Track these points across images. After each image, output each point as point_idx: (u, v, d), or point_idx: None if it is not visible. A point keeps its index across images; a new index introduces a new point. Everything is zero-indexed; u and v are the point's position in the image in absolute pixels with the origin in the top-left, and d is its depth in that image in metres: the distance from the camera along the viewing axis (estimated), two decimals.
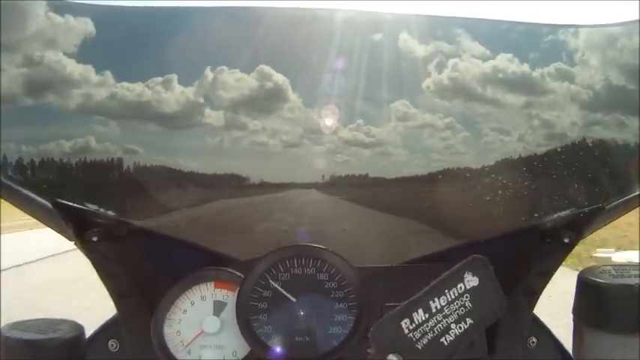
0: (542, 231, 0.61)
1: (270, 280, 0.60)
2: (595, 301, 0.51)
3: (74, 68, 0.60)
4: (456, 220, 0.66)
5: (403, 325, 0.45)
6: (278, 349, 0.58)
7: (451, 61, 0.63)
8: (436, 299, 0.45)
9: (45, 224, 0.61)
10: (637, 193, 0.61)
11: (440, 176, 0.63)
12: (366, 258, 0.67)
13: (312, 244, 0.61)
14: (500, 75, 0.62)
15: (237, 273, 0.61)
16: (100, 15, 0.62)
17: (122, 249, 0.60)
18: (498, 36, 0.64)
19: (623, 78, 0.63)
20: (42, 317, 0.54)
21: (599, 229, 0.64)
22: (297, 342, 0.59)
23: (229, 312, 0.61)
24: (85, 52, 0.60)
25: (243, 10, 0.63)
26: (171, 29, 0.63)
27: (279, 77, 0.61)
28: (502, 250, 0.63)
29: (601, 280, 0.51)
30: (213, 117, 0.62)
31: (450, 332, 0.45)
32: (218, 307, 0.61)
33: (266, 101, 0.62)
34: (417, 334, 0.45)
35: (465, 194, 0.65)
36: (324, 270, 0.61)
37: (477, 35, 0.63)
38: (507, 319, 0.62)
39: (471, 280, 0.46)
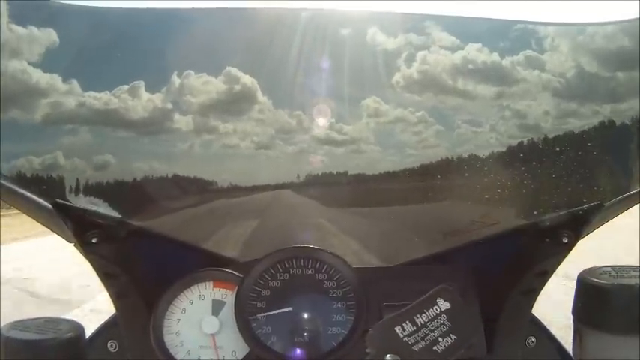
0: (540, 230, 0.61)
1: (270, 280, 0.60)
2: (595, 301, 0.51)
3: (40, 77, 0.60)
4: (451, 220, 0.66)
5: (397, 331, 0.49)
6: (277, 349, 0.58)
7: (420, 54, 0.62)
8: (419, 315, 0.50)
9: (44, 225, 0.61)
10: (636, 190, 0.61)
11: (432, 172, 0.63)
12: (364, 259, 0.67)
13: (311, 246, 0.61)
14: (470, 66, 0.62)
15: (236, 273, 0.61)
16: (63, 23, 0.61)
17: (122, 250, 0.60)
18: (467, 25, 0.63)
19: (596, 64, 0.62)
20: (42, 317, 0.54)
21: (598, 227, 0.64)
22: (296, 342, 0.59)
23: (228, 312, 0.61)
24: (51, 62, 0.60)
25: (207, 13, 0.62)
26: (135, 35, 0.63)
27: (247, 79, 0.61)
28: (500, 249, 0.64)
29: (601, 281, 0.51)
30: (182, 122, 0.61)
31: (440, 344, 0.49)
32: (217, 307, 0.62)
33: (235, 104, 0.61)
34: (412, 340, 0.49)
35: (461, 193, 0.65)
36: (323, 270, 0.61)
37: (446, 25, 0.62)
38: (506, 318, 0.62)
39: (443, 304, 0.51)
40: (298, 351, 0.58)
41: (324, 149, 0.61)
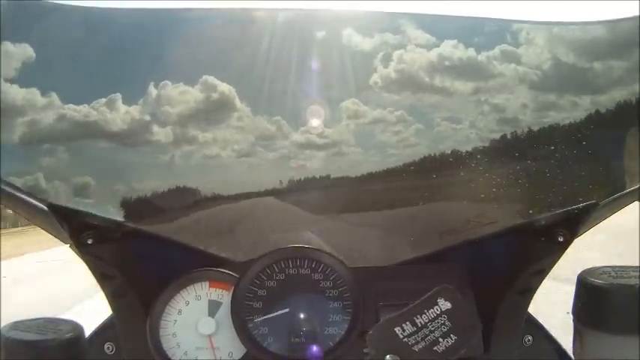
0: (536, 229, 0.61)
1: (266, 280, 0.60)
2: (595, 302, 0.51)
3: (17, 93, 0.59)
4: (447, 219, 0.66)
5: (397, 331, 0.49)
6: (274, 350, 0.58)
7: (397, 53, 0.62)
8: (419, 316, 0.50)
9: (40, 227, 0.61)
10: (631, 189, 0.61)
11: (422, 172, 0.62)
12: (360, 259, 0.67)
13: (307, 246, 0.61)
14: (447, 62, 0.62)
15: (232, 273, 0.61)
16: (37, 37, 0.60)
17: (117, 251, 0.60)
18: (442, 22, 0.63)
19: (572, 55, 0.63)
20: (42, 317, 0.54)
21: (593, 226, 0.64)
22: (293, 342, 0.58)
23: (224, 312, 0.61)
24: (27, 76, 0.59)
25: (180, 22, 0.61)
26: (110, 47, 0.62)
27: (224, 87, 0.60)
28: (496, 249, 0.64)
29: (601, 281, 0.51)
30: (161, 134, 0.61)
31: (440, 344, 0.49)
32: (213, 308, 0.61)
33: (214, 112, 0.61)
34: (412, 341, 0.49)
35: (456, 192, 0.65)
36: (319, 270, 0.61)
37: (421, 23, 0.62)
38: (502, 318, 0.62)
39: (444, 304, 0.51)
40: (295, 351, 0.58)
41: (305, 154, 0.61)
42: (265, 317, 0.59)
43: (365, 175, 0.62)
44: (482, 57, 0.62)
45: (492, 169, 0.62)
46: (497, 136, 0.62)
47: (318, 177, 0.62)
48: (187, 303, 0.61)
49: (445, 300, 0.51)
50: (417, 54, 0.62)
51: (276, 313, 0.60)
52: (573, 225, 0.58)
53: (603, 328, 0.50)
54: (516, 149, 0.62)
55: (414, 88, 0.62)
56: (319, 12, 0.63)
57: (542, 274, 0.61)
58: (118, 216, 0.60)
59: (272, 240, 0.64)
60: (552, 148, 0.62)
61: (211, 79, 0.60)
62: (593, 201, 0.57)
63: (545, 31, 0.63)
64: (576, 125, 0.62)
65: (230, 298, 0.60)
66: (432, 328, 0.50)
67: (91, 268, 0.59)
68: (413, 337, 0.49)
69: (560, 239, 0.58)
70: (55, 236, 0.62)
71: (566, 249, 0.59)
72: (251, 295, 0.60)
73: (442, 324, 0.50)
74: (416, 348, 0.49)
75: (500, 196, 0.62)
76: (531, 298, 0.63)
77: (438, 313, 0.50)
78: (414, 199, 0.65)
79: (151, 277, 0.62)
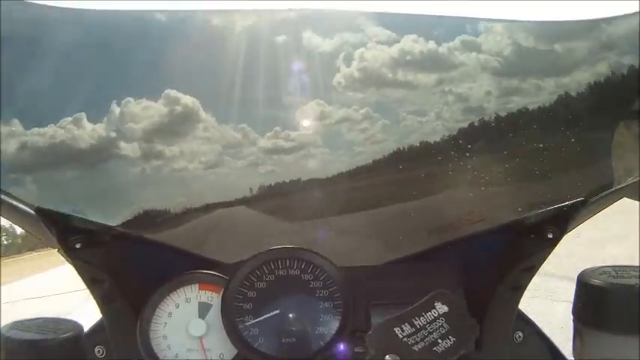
0: (525, 227, 0.61)
1: (256, 282, 0.60)
2: (595, 302, 0.51)
3: None
4: (436, 217, 0.66)
5: (397, 332, 0.50)
6: (265, 351, 0.58)
7: (358, 52, 0.62)
8: (417, 318, 0.51)
9: (27, 231, 0.61)
10: (620, 185, 0.61)
11: (393, 168, 0.62)
12: (349, 258, 0.67)
13: (297, 247, 0.61)
14: (408, 57, 0.62)
15: (222, 275, 0.61)
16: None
17: (106, 254, 0.60)
18: (401, 17, 0.63)
19: (532, 39, 0.63)
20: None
21: (582, 222, 0.64)
22: (284, 343, 0.58)
23: (215, 314, 0.60)
24: None
25: (138, 36, 0.61)
26: (71, 66, 0.62)
27: (187, 99, 0.60)
28: (486, 246, 0.63)
29: (601, 281, 0.51)
30: (129, 149, 0.61)
31: (439, 345, 0.50)
32: (203, 310, 0.61)
33: (179, 125, 0.61)
34: (411, 341, 0.49)
35: (443, 189, 0.65)
36: (309, 271, 0.61)
37: (380, 20, 0.63)
38: (493, 315, 0.62)
39: (441, 308, 0.52)
40: (286, 352, 0.58)
41: (273, 159, 0.61)
42: (255, 318, 0.59)
43: (335, 175, 0.61)
44: (443, 49, 0.62)
45: (478, 166, 0.62)
46: (464, 125, 0.61)
47: (287, 181, 0.62)
48: (177, 305, 0.61)
49: (442, 304, 0.52)
50: (379, 51, 0.62)
51: (266, 315, 0.59)
52: (562, 222, 0.58)
53: (603, 328, 0.50)
54: (486, 137, 0.62)
55: (377, 84, 0.62)
56: (278, 15, 0.63)
57: (532, 270, 0.61)
58: (106, 220, 0.60)
59: (265, 241, 0.64)
60: (527, 136, 0.62)
61: (173, 92, 0.60)
62: (582, 198, 0.57)
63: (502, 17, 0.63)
64: (543, 111, 0.62)
65: (220, 300, 0.59)
66: (431, 330, 0.50)
67: (80, 273, 0.59)
68: (412, 337, 0.50)
69: (550, 236, 0.58)
70: (43, 240, 0.62)
71: (555, 246, 0.58)
72: (241, 297, 0.60)
73: (440, 326, 0.51)
74: (415, 348, 0.49)
75: (488, 193, 0.62)
76: (521, 295, 0.63)
77: (436, 316, 0.51)
78: (398, 197, 0.65)
79: (141, 281, 0.62)
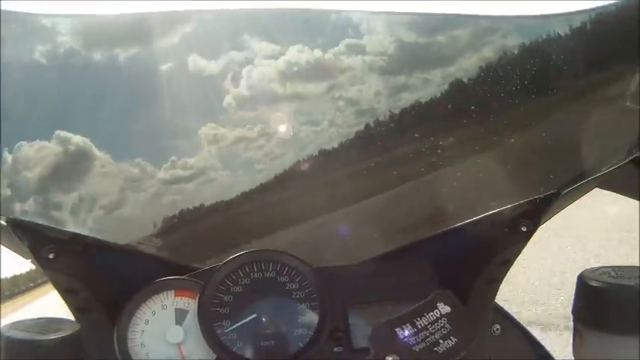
0: (499, 221, 0.61)
1: (231, 286, 0.60)
2: (595, 302, 0.51)
3: None
4: (412, 214, 0.66)
5: (398, 332, 0.50)
6: (244, 355, 0.57)
7: (245, 70, 0.62)
8: (419, 318, 0.51)
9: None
10: (592, 177, 0.62)
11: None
12: (324, 259, 0.67)
13: (271, 249, 0.61)
14: (296, 68, 0.62)
15: (197, 280, 0.61)
16: None
17: (79, 264, 0.59)
18: (284, 29, 0.63)
19: (414, 33, 0.63)
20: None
21: (555, 214, 0.64)
22: (263, 346, 0.58)
23: (192, 320, 0.59)
24: None
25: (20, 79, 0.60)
26: None
27: (78, 139, 0.59)
28: (461, 241, 0.64)
29: (601, 282, 0.51)
30: (25, 206, 0.59)
31: (441, 345, 0.50)
32: (180, 316, 0.60)
33: (74, 166, 0.60)
34: (412, 341, 0.50)
35: (415, 187, 0.65)
36: (284, 273, 0.60)
37: (263, 35, 0.62)
38: (471, 308, 0.62)
39: (443, 308, 0.52)
40: (265, 355, 0.58)
41: (173, 188, 0.61)
42: (233, 322, 0.58)
43: (239, 195, 0.61)
44: (329, 55, 0.62)
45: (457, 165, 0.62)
46: (359, 128, 0.62)
47: (191, 208, 0.61)
48: (154, 313, 0.60)
49: (445, 304, 0.52)
50: (265, 66, 0.62)
51: (243, 321, 0.59)
52: (536, 215, 0.58)
53: (603, 328, 0.50)
54: (383, 137, 0.63)
55: (268, 100, 0.62)
56: (160, 43, 0.62)
57: (507, 264, 0.62)
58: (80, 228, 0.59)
59: (241, 247, 0.63)
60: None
61: (63, 133, 0.59)
62: (555, 190, 0.58)
63: (383, 16, 0.63)
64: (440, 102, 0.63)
65: (197, 306, 0.59)
66: (432, 330, 0.50)
67: (54, 284, 0.57)
68: (413, 338, 0.50)
69: (524, 229, 0.58)
70: (15, 252, 0.61)
71: (529, 238, 0.59)
72: (217, 302, 0.59)
73: (442, 326, 0.51)
74: (416, 348, 0.49)
75: (461, 189, 0.63)
76: (497, 288, 0.64)
77: (438, 316, 0.51)
78: (370, 195, 0.65)
79: (116, 289, 0.60)
